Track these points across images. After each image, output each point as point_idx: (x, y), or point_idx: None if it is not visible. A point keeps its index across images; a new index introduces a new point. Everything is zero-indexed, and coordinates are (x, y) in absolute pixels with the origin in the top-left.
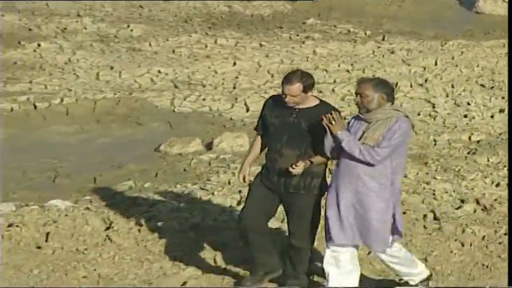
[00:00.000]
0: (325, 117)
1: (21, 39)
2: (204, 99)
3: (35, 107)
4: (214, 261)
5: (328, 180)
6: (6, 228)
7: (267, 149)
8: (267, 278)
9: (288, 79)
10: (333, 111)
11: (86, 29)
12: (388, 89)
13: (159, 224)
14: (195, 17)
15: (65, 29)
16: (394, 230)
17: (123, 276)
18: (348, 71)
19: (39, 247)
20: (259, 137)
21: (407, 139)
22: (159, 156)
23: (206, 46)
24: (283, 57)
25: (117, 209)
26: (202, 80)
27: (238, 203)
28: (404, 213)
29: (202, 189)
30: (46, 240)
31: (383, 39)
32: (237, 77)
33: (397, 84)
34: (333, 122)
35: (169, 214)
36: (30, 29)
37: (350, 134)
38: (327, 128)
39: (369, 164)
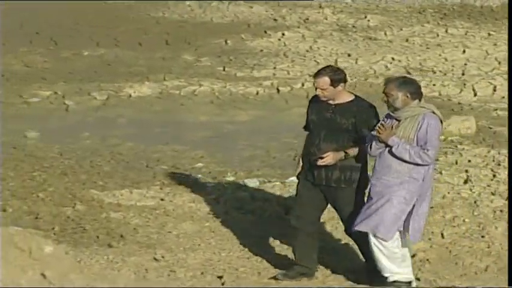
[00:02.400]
0: (376, 128)
1: (267, 29)
2: (434, 85)
3: (278, 91)
4: (442, 235)
5: None
6: (250, 202)
7: (309, 144)
8: (299, 279)
9: (317, 73)
10: (381, 122)
11: (326, 19)
12: (412, 88)
13: None
14: (428, 8)
15: (307, 19)
16: (409, 229)
17: None
18: None
19: (280, 219)
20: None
21: (440, 134)
22: None
23: (437, 35)
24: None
25: None
26: (433, 67)
27: (465, 182)
28: None
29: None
30: (286, 214)
31: None
32: (465, 64)
33: None
34: (381, 131)
35: None
36: (275, 19)
37: (399, 140)
38: (377, 135)
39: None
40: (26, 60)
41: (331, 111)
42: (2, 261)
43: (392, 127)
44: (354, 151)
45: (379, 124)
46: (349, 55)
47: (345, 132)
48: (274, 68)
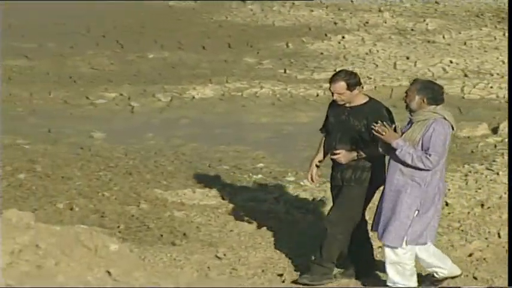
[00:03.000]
0: (375, 127)
1: (328, 32)
2: (491, 87)
3: None
4: (498, 235)
5: None
6: (310, 202)
7: (327, 147)
8: (321, 282)
9: (333, 78)
10: (383, 122)
11: (385, 23)
12: (431, 94)
13: (450, 201)
14: (486, 12)
15: (367, 22)
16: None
17: None
18: None
19: None
20: (324, 138)
21: (447, 141)
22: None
23: (495, 38)
24: None
25: None
26: (491, 70)
27: None
28: None
29: (488, 169)
30: None
31: None
32: None
33: None
34: (383, 133)
35: (457, 191)
36: (335, 23)
37: (404, 142)
38: (378, 137)
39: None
40: (93, 62)
41: (346, 114)
42: (68, 259)
43: (395, 129)
44: (366, 152)
45: (379, 124)
46: (407, 58)
47: (358, 134)
48: (334, 70)
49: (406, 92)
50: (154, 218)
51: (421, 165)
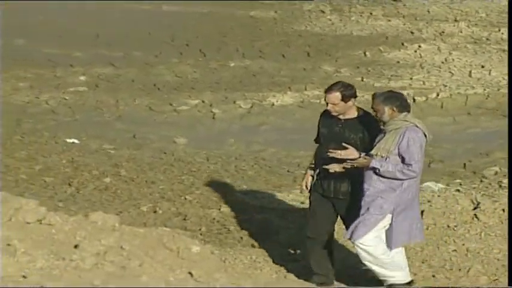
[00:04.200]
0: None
1: (404, 41)
2: None
3: (414, 100)
4: None
5: None
6: None
7: (319, 157)
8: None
9: (328, 88)
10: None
11: (461, 32)
12: (398, 102)
13: None
14: None
15: (443, 32)
16: (391, 239)
17: (488, 251)
18: None
19: None
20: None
21: (422, 148)
22: None
23: None
24: None
25: (484, 191)
26: None
27: None
28: None
29: None
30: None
31: None
32: None
33: None
34: (359, 162)
35: None
36: (412, 32)
37: (381, 161)
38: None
39: None
40: (176, 70)
41: (340, 126)
42: (152, 260)
43: (361, 145)
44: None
45: (348, 163)
46: (482, 66)
47: (352, 146)
48: (411, 78)
49: (372, 108)
50: (235, 221)
51: (404, 177)
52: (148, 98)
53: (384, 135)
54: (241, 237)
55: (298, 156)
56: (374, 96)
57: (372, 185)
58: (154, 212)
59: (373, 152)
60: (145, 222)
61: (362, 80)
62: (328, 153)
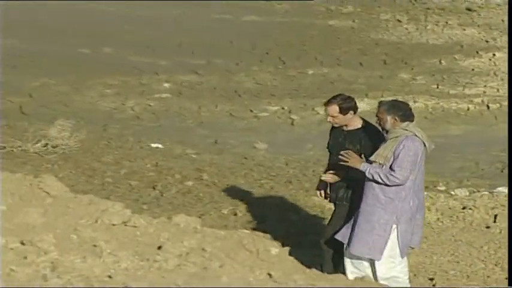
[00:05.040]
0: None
1: (479, 50)
2: None
3: (488, 107)
4: None
5: None
6: (460, 210)
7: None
8: None
9: (328, 101)
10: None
11: None
12: (401, 111)
13: None
14: None
15: None
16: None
17: None
18: None
19: (488, 227)
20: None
21: (417, 157)
22: None
23: None
24: None
25: None
26: None
27: None
28: None
29: None
30: (494, 221)
31: None
32: None
33: None
34: (349, 160)
35: None
36: (486, 41)
37: (369, 165)
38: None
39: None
40: (257, 78)
41: (343, 137)
42: (232, 262)
43: (361, 155)
44: (358, 173)
45: (344, 154)
46: None
47: None
48: (485, 86)
49: (376, 116)
50: (312, 224)
51: (388, 183)
52: (229, 105)
53: (385, 143)
54: (319, 240)
55: None
56: (379, 104)
57: (371, 193)
58: (235, 214)
59: (372, 158)
60: (226, 225)
61: (437, 88)
62: (335, 161)
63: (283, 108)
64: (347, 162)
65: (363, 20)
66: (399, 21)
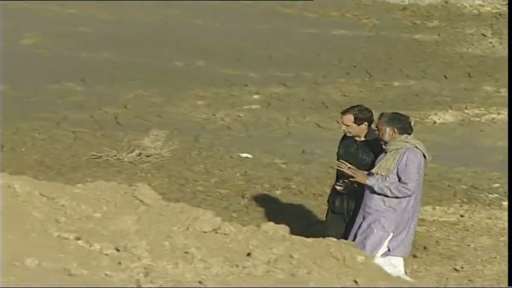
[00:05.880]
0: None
1: None
2: None
3: None
4: None
5: None
6: None
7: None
8: None
9: (344, 110)
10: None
11: None
12: (400, 124)
13: None
14: None
15: None
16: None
17: None
18: None
19: None
20: None
21: (420, 168)
22: None
23: None
24: None
25: None
26: None
27: None
28: None
29: None
30: None
31: None
32: None
33: None
34: (356, 176)
35: None
36: None
37: (376, 180)
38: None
39: None
40: (343, 90)
41: (356, 147)
42: (319, 269)
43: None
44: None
45: (347, 167)
46: None
47: (364, 167)
48: None
49: (376, 127)
50: None
51: (399, 195)
52: (316, 116)
53: (385, 155)
54: None
55: (458, 172)
56: (380, 115)
57: (374, 204)
58: (322, 223)
59: (374, 170)
60: (314, 233)
61: None
62: (340, 167)
63: None
64: (353, 178)
65: (447, 34)
66: (484, 35)
